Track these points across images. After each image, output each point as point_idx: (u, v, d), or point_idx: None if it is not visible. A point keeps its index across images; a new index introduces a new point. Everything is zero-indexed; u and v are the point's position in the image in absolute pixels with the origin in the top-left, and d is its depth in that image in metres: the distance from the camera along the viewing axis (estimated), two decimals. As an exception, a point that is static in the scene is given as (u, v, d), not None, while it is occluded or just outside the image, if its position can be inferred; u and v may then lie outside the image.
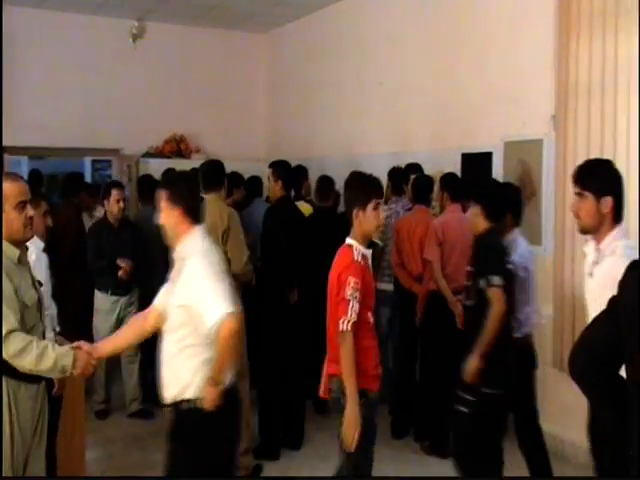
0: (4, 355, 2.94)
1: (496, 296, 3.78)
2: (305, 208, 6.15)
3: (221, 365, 3.04)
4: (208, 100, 8.85)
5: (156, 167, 7.66)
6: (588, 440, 3.19)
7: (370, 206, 3.45)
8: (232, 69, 9.10)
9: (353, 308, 3.32)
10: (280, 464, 5.17)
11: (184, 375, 3.09)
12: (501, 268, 3.85)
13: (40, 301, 3.21)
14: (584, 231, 3.18)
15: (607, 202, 3.06)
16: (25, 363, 2.95)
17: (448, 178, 5.45)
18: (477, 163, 5.75)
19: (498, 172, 5.66)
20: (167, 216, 3.22)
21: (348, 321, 3.31)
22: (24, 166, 10.42)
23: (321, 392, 3.66)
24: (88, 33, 8.23)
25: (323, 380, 3.63)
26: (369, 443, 3.47)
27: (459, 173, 5.89)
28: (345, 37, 7.70)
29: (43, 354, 2.96)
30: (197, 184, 3.34)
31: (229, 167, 5.99)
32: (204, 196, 4.86)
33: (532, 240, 5.30)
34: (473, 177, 5.68)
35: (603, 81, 4.79)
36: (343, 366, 3.33)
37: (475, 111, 5.90)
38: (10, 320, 2.94)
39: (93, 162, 10.58)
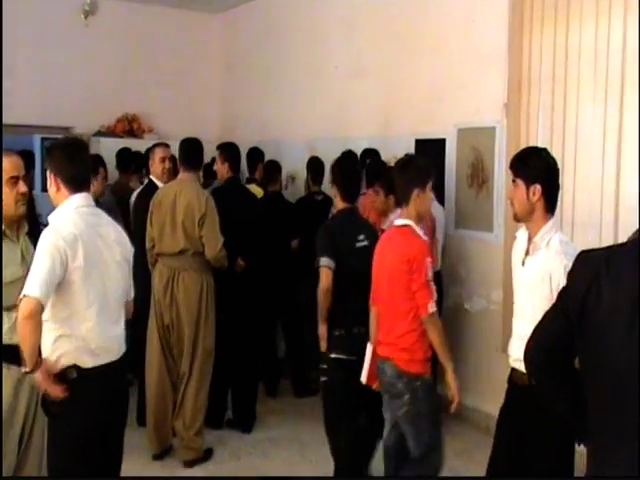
0: None
1: (321, 275, 3.94)
2: (257, 191, 6.06)
3: (23, 348, 2.75)
4: (162, 80, 8.63)
5: (107, 146, 7.50)
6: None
7: (428, 187, 3.56)
8: (187, 49, 8.88)
9: (433, 289, 3.46)
10: (231, 446, 5.10)
11: (44, 352, 2.86)
12: (328, 250, 3.94)
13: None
14: (517, 218, 3.14)
15: (536, 190, 3.00)
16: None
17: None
18: (431, 149, 5.71)
19: (451, 159, 5.64)
20: (48, 184, 3.04)
21: (434, 302, 3.45)
22: (-29, 142, 10.12)
23: (365, 379, 3.68)
24: (40, 7, 7.95)
25: (369, 366, 3.65)
26: (439, 424, 3.68)
27: (413, 158, 5.87)
28: (301, 19, 7.56)
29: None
30: (78, 151, 3.08)
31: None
32: (180, 174, 4.82)
33: (483, 227, 5.35)
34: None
35: (554, 70, 4.79)
36: (438, 346, 3.48)
37: (429, 97, 5.85)
38: None
39: (43, 140, 10.32)
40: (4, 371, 3.04)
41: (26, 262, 3.09)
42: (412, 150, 5.94)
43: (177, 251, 4.71)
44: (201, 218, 4.66)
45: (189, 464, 4.73)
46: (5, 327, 2.95)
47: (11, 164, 3.07)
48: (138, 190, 5.69)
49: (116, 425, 3.05)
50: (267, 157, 6.69)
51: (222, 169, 5.40)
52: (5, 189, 3.03)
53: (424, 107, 5.91)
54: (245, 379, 5.36)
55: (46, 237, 2.82)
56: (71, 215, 2.93)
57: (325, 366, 4.05)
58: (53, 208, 3.04)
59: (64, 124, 8.20)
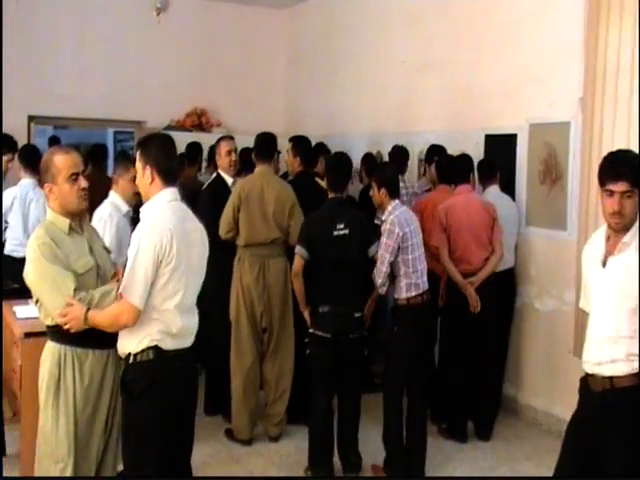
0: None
1: (294, 261, 4.31)
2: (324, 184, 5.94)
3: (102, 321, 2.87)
4: (230, 75, 8.57)
5: (177, 140, 7.32)
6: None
7: None
8: (254, 44, 8.79)
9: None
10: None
11: (127, 332, 2.90)
12: (302, 239, 4.26)
13: (99, 266, 3.08)
14: (621, 229, 2.89)
15: None
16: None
17: (456, 160, 5.23)
18: (501, 145, 5.47)
19: (522, 154, 5.37)
20: (139, 176, 2.99)
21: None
22: (48, 135, 10.30)
23: None
24: (114, 6, 7.99)
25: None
26: None
27: (482, 155, 5.63)
28: (367, 14, 7.36)
29: (107, 290, 2.98)
30: (172, 145, 3.05)
31: (247, 142, 5.80)
32: (258, 167, 4.91)
33: (556, 225, 5.08)
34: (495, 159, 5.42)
35: (632, 64, 4.50)
36: None
37: (500, 92, 5.58)
38: (71, 280, 2.92)
39: (115, 133, 10.45)
40: (90, 356, 3.03)
41: (94, 251, 3.12)
42: (482, 145, 5.71)
43: (269, 241, 4.78)
44: (291, 208, 4.78)
45: (275, 439, 4.86)
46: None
47: (71, 161, 3.05)
48: (207, 183, 5.61)
49: (188, 409, 3.04)
50: (333, 151, 6.53)
51: (294, 162, 5.36)
52: (66, 186, 3.02)
53: (494, 102, 5.64)
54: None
55: (145, 237, 2.81)
56: (164, 209, 2.91)
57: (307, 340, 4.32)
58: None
59: (136, 118, 8.26)
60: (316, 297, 4.25)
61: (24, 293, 4.47)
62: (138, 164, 2.98)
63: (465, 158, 5.16)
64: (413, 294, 4.23)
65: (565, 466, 3.04)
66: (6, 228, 5.35)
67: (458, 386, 4.92)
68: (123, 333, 2.89)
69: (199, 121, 8.27)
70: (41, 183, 3.13)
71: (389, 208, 4.29)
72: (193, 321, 3.02)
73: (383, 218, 4.33)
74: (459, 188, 5.02)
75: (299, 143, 5.43)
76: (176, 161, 3.12)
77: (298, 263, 4.28)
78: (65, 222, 3.05)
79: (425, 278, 4.32)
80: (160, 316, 2.86)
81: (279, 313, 4.84)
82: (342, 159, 4.60)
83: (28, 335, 3.92)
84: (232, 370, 4.86)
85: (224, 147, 5.27)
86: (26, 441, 3.89)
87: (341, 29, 7.81)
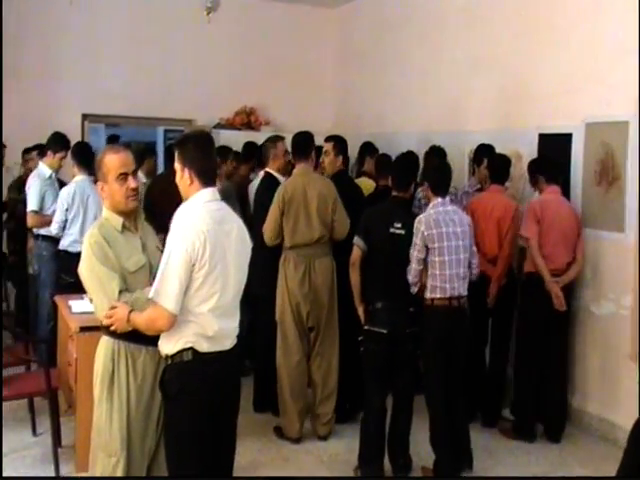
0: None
1: (353, 252, 4.27)
2: (367, 184, 5.89)
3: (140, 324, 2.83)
4: (279, 73, 8.54)
5: (227, 138, 7.46)
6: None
7: None
8: (303, 43, 8.75)
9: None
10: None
11: (164, 334, 2.87)
12: (361, 231, 4.26)
13: (152, 265, 3.04)
14: None
15: None
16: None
17: (542, 161, 5.15)
18: (556, 144, 5.31)
19: (578, 154, 5.19)
20: (179, 177, 2.93)
21: None
22: (101, 133, 10.42)
23: None
24: (165, 6, 8.04)
25: None
26: None
27: (535, 154, 5.50)
28: (418, 12, 7.25)
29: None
30: (210, 144, 3.00)
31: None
32: (299, 166, 4.86)
33: (613, 227, 4.92)
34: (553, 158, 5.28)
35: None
36: None
37: (555, 90, 5.42)
38: (117, 282, 2.91)
39: (166, 131, 10.51)
40: (142, 353, 3.00)
41: (146, 249, 3.09)
42: (535, 145, 5.57)
43: (314, 240, 4.74)
44: (333, 204, 4.75)
45: (324, 438, 4.83)
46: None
47: (120, 161, 3.02)
48: (258, 182, 5.58)
49: (228, 410, 2.99)
50: (381, 150, 6.47)
51: (335, 162, 5.30)
52: (115, 185, 3.00)
53: (549, 100, 5.49)
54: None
55: (178, 240, 2.75)
56: (200, 211, 2.84)
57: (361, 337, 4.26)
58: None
59: (186, 116, 8.27)
60: (371, 293, 4.21)
61: (80, 288, 4.57)
62: (177, 165, 2.93)
63: (550, 160, 5.12)
64: (438, 296, 4.16)
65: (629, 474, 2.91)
66: (65, 223, 5.39)
67: (528, 386, 4.87)
68: (162, 334, 2.86)
69: (248, 120, 8.25)
70: (95, 180, 3.14)
71: (430, 205, 4.26)
72: (232, 324, 2.95)
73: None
74: (549, 188, 4.93)
75: (341, 142, 5.40)
76: (214, 161, 3.05)
77: (356, 254, 4.26)
78: (119, 220, 3.05)
79: (456, 284, 4.16)
80: (195, 319, 2.80)
81: (326, 312, 4.80)
82: (408, 158, 4.55)
83: (83, 329, 3.96)
84: (279, 370, 4.83)
85: (282, 148, 5.32)
86: (81, 433, 3.96)
87: (391, 27, 7.72)
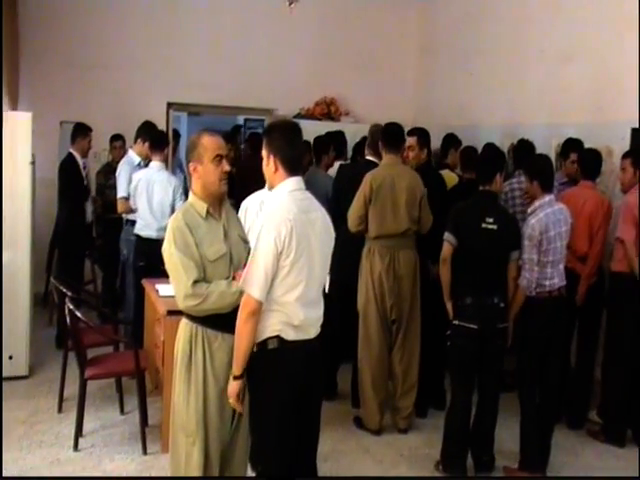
0: (189, 306, 2.96)
1: (443, 247, 4.19)
2: (450, 177, 5.79)
3: (238, 347, 2.86)
4: (360, 64, 8.52)
5: (306, 128, 7.34)
6: None
7: None
8: (384, 33, 8.68)
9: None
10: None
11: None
12: (451, 227, 4.17)
13: (232, 254, 3.08)
14: None
15: None
16: (209, 304, 2.95)
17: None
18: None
19: (675, 150, 5.01)
20: (265, 164, 2.97)
21: None
22: (183, 121, 10.61)
23: None
24: (248, -4, 8.13)
25: None
26: None
27: (627, 148, 5.30)
28: (504, 2, 7.10)
29: (225, 290, 2.96)
30: (296, 133, 3.00)
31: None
32: (386, 157, 4.82)
33: None
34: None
35: None
36: None
37: (650, 83, 5.23)
38: (193, 272, 2.94)
39: (246, 120, 10.61)
40: (219, 338, 3.03)
41: (228, 238, 3.10)
42: (627, 140, 5.38)
43: (400, 232, 4.71)
44: (421, 198, 4.74)
45: (404, 431, 4.81)
46: (215, 295, 2.96)
47: (216, 143, 3.07)
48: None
49: (312, 398, 3.02)
50: (464, 143, 6.36)
51: (420, 155, 5.26)
52: (210, 166, 3.04)
53: (644, 93, 5.29)
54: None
55: (265, 229, 2.79)
56: (286, 200, 2.88)
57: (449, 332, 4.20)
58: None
59: (267, 106, 8.36)
60: (461, 288, 4.15)
61: (152, 271, 4.68)
62: (263, 152, 2.97)
63: None
64: (539, 291, 4.13)
65: None
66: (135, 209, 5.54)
67: (618, 388, 4.74)
68: None
69: (328, 110, 8.27)
70: (186, 163, 3.15)
71: (537, 204, 4.14)
72: (317, 313, 2.98)
73: (528, 211, 4.19)
74: None
75: (424, 135, 5.36)
76: (301, 150, 3.07)
77: (446, 249, 4.19)
78: (203, 206, 3.07)
79: (556, 279, 4.17)
80: (281, 308, 2.84)
81: (408, 305, 4.77)
82: (492, 151, 4.46)
83: (170, 313, 4.05)
84: (360, 361, 4.83)
85: None
86: (166, 413, 4.03)
87: (475, 18, 7.58)
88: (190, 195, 3.14)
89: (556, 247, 4.11)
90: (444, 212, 5.03)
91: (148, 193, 5.39)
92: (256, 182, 3.86)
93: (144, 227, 5.37)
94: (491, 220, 4.08)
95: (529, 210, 4.19)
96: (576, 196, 4.91)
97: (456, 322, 4.13)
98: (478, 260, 4.10)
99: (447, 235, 4.20)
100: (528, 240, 4.07)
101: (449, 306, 4.20)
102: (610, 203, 4.95)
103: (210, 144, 3.05)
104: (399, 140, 4.85)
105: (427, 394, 5.06)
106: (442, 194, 5.19)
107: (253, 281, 2.78)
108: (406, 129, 5.62)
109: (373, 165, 4.97)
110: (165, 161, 5.66)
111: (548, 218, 4.09)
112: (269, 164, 2.94)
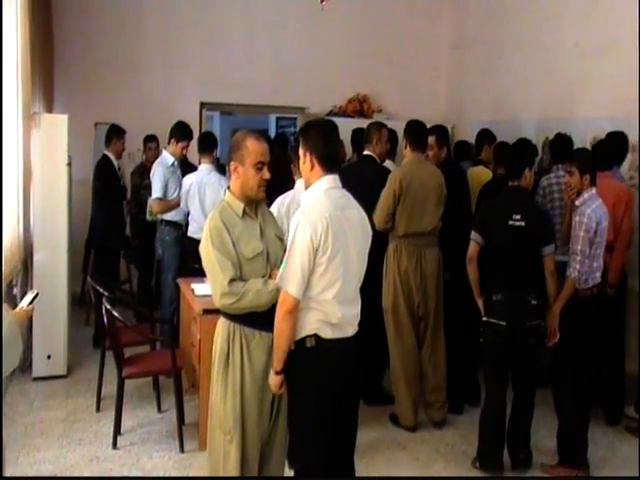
0: (225, 304, 2.97)
1: (470, 247, 4.21)
2: (483, 174, 5.79)
3: (278, 344, 2.91)
4: (391, 60, 8.51)
5: (339, 126, 7.42)
6: None
7: None
8: (416, 29, 8.66)
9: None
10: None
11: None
12: (478, 225, 4.21)
13: (269, 252, 3.10)
14: None
15: None
16: (245, 303, 2.97)
17: None
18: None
19: None
20: (301, 162, 2.98)
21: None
22: (216, 120, 10.68)
23: None
24: (279, -6, 8.17)
25: None
26: None
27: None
28: (537, -5, 7.03)
29: (261, 289, 2.97)
30: (333, 131, 3.01)
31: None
32: (411, 155, 4.82)
33: None
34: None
35: None
36: None
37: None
38: (229, 270, 2.97)
39: (278, 119, 10.66)
40: (256, 337, 3.05)
41: (264, 236, 3.12)
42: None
43: (428, 230, 4.73)
44: (445, 197, 4.79)
45: (439, 425, 4.85)
46: (252, 292, 2.98)
47: (260, 149, 3.07)
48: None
49: (350, 395, 3.03)
50: (499, 138, 6.31)
51: (439, 154, 5.26)
52: (251, 171, 3.05)
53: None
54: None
55: (301, 225, 2.81)
56: (322, 198, 2.89)
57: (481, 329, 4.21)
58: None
59: (299, 104, 8.39)
60: (490, 285, 4.14)
61: (203, 273, 4.72)
62: (300, 150, 2.98)
63: None
64: (584, 286, 4.10)
65: None
66: (189, 213, 5.60)
67: None
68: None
69: (360, 107, 8.26)
70: (228, 161, 3.18)
71: (585, 196, 4.11)
72: (354, 311, 2.99)
73: (577, 203, 4.14)
74: None
75: (442, 133, 5.37)
76: (337, 148, 3.07)
77: (473, 249, 4.20)
78: (240, 206, 3.09)
79: (596, 274, 4.15)
80: (319, 306, 2.85)
81: (434, 303, 4.79)
82: (523, 145, 4.43)
83: (206, 312, 4.09)
84: (392, 358, 4.84)
85: (385, 134, 5.29)
86: (203, 411, 4.11)
87: (507, 11, 7.50)
88: (227, 194, 3.16)
89: (601, 241, 4.10)
90: (467, 207, 5.07)
91: (200, 196, 5.45)
92: (280, 180, 3.89)
93: (198, 230, 5.31)
94: (518, 217, 4.04)
95: (577, 203, 4.14)
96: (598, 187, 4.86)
97: (485, 318, 4.14)
98: (506, 257, 4.09)
99: (474, 234, 4.21)
100: (584, 231, 4.01)
101: (480, 303, 4.20)
102: (631, 190, 4.91)
103: (254, 149, 3.06)
104: (424, 138, 4.88)
105: (461, 390, 5.07)
106: (463, 189, 5.25)
107: (290, 279, 2.80)
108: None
109: (372, 160, 5.11)
110: (214, 162, 5.72)
111: (601, 209, 4.09)
112: (305, 162, 2.96)
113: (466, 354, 5.08)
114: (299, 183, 4.14)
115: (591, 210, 4.05)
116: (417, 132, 4.84)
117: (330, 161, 2.94)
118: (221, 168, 6.39)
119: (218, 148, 6.28)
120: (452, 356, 4.92)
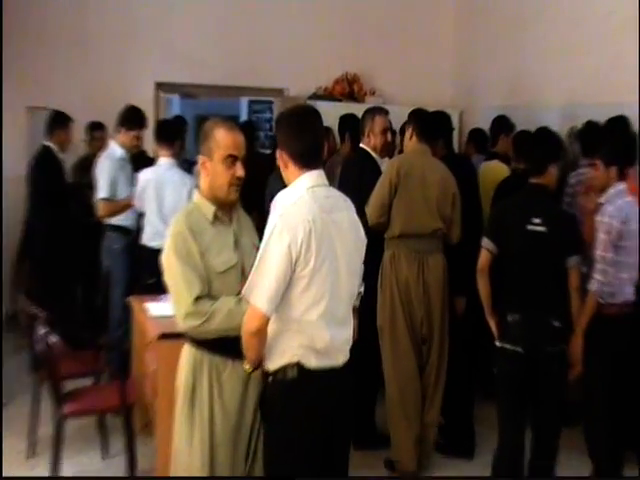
0: (190, 326, 2.98)
1: (480, 256, 4.19)
2: (498, 169, 5.91)
3: (247, 355, 2.89)
4: (387, 34, 8.60)
5: (324, 111, 7.31)
6: None
7: None
8: (415, -1, 8.75)
9: None
10: None
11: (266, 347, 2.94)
12: (490, 231, 4.22)
13: (244, 265, 3.08)
14: None
15: None
16: (215, 325, 2.96)
17: None
18: None
19: None
20: (278, 161, 3.00)
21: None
22: (175, 106, 10.65)
23: None
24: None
25: None
26: None
27: None
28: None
29: (233, 309, 2.95)
30: (306, 121, 2.98)
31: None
32: (417, 145, 4.90)
33: None
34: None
35: None
36: None
37: None
38: (196, 286, 2.97)
39: (250, 103, 10.67)
40: (229, 366, 3.05)
41: (239, 246, 3.11)
42: None
43: (429, 232, 4.78)
44: (454, 197, 4.82)
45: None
46: (222, 314, 2.98)
47: (232, 140, 3.07)
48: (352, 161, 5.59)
49: (338, 440, 3.00)
50: (517, 126, 6.39)
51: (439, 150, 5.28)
52: (220, 167, 3.05)
53: None
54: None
55: (277, 231, 2.77)
56: (305, 197, 2.87)
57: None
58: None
59: (276, 85, 8.42)
60: (504, 303, 4.14)
61: (160, 288, 4.72)
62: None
63: None
64: (609, 302, 4.14)
65: None
66: (142, 216, 5.60)
67: None
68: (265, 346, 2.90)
69: (350, 89, 8.33)
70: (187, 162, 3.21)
71: (612, 191, 4.16)
72: (344, 335, 2.96)
73: (601, 200, 4.20)
74: None
75: (442, 122, 5.45)
76: (314, 139, 2.98)
77: (484, 258, 4.19)
78: (210, 209, 3.09)
79: (628, 288, 4.19)
80: (301, 328, 2.82)
81: (439, 318, 4.83)
82: (546, 136, 4.47)
83: (165, 336, 4.09)
84: (388, 385, 4.86)
85: (380, 124, 5.17)
86: (161, 456, 4.08)
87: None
88: (196, 194, 3.16)
89: (632, 246, 4.10)
90: (476, 211, 5.16)
91: (158, 196, 5.46)
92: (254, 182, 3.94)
93: (154, 236, 5.35)
94: (539, 221, 4.02)
95: (602, 200, 4.19)
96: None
97: (499, 344, 4.12)
98: (524, 270, 4.07)
99: (485, 241, 4.21)
100: (604, 232, 4.05)
101: (492, 324, 4.19)
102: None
103: (224, 140, 3.05)
104: (436, 132, 4.96)
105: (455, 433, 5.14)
106: (471, 188, 5.30)
107: (260, 290, 2.75)
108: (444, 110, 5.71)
109: (365, 153, 5.18)
110: (176, 156, 5.73)
111: (630, 208, 4.11)
112: (280, 160, 2.98)
113: (462, 386, 5.14)
114: None
115: (614, 207, 4.08)
116: (429, 123, 4.95)
117: (305, 157, 2.93)
118: (186, 164, 6.38)
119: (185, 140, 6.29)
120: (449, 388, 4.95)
